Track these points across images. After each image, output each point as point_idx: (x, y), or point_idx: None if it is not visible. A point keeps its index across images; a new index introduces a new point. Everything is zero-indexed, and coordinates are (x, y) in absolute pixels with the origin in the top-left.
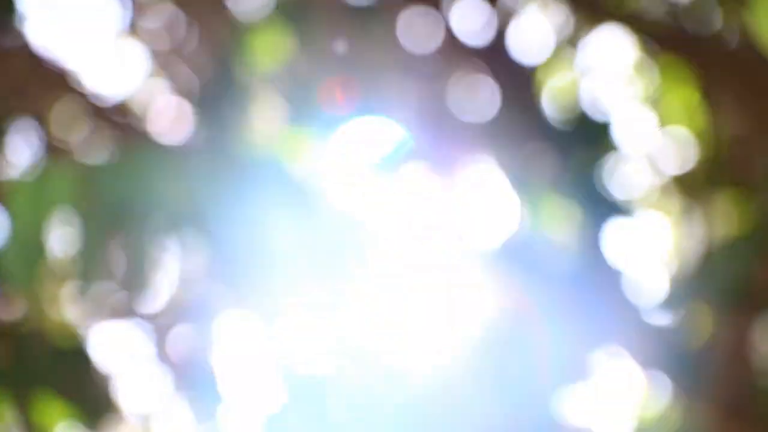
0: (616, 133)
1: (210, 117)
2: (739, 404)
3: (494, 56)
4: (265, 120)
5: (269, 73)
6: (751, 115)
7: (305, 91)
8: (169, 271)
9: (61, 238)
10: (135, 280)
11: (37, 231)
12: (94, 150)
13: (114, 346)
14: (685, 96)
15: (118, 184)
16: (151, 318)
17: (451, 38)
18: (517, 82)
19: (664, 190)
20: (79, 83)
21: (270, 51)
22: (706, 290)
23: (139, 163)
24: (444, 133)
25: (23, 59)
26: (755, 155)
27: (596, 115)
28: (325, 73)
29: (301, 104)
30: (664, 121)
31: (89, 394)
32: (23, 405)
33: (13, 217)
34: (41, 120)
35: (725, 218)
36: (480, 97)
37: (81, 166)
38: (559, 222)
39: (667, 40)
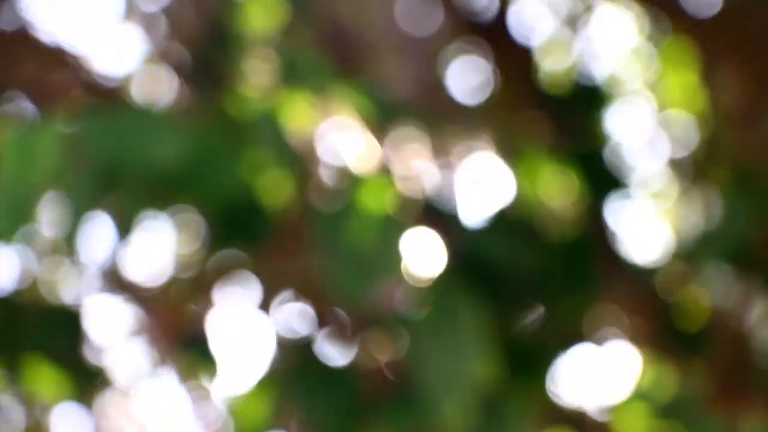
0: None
1: (203, 78)
2: (736, 374)
3: (494, 33)
4: (258, 81)
5: (263, 33)
6: (752, 88)
7: (300, 53)
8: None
9: (49, 197)
10: (123, 241)
11: (26, 187)
12: (84, 112)
13: (105, 312)
14: (685, 78)
15: (108, 142)
16: (143, 283)
17: (450, 12)
18: (517, 56)
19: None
20: (75, 60)
21: (264, 12)
22: (706, 256)
23: (129, 123)
24: (440, 103)
25: (21, 39)
26: (755, 127)
27: (594, 85)
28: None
29: (296, 65)
30: (663, 102)
31: (81, 360)
32: (13, 370)
33: (1, 172)
34: (36, 97)
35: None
36: (479, 72)
37: (71, 125)
38: (557, 191)
39: (669, 14)
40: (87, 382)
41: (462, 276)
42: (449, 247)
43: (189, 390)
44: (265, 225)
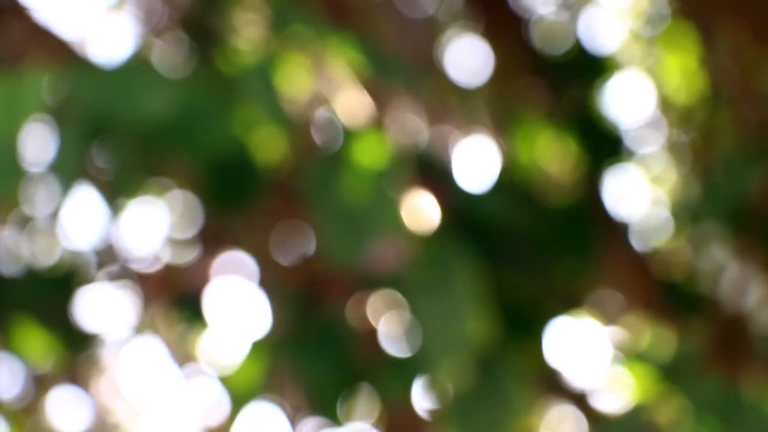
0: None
1: (194, 32)
2: (734, 335)
3: (492, 3)
4: (250, 35)
5: None
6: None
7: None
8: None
9: (38, 146)
10: (116, 193)
11: (13, 137)
12: (72, 66)
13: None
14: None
15: (96, 95)
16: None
17: None
18: (514, 23)
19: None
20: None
21: None
22: (706, 213)
23: (118, 76)
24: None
25: (20, 25)
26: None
27: (593, 50)
28: None
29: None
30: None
31: (70, 321)
32: (1, 331)
33: None
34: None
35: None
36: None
37: (60, 74)
38: (555, 157)
39: None
40: (77, 345)
41: (457, 234)
42: (444, 204)
43: (179, 355)
44: (257, 182)
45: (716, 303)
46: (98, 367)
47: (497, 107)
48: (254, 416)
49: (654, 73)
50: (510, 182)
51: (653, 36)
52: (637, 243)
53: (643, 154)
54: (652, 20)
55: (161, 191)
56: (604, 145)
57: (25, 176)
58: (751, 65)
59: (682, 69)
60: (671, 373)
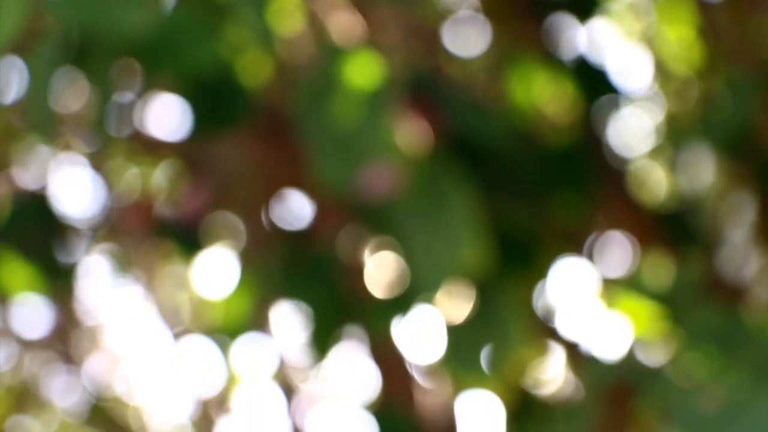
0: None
1: None
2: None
3: None
4: None
5: None
6: None
7: None
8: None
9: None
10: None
11: None
12: None
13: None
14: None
15: (77, 7)
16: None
17: None
18: None
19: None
20: None
21: None
22: (707, 139)
23: None
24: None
25: None
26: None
27: None
28: None
29: None
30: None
31: (56, 257)
32: None
33: None
34: None
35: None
36: None
37: None
38: (551, 98)
39: None
40: (60, 277)
41: (452, 158)
42: (438, 128)
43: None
44: (244, 105)
45: (714, 232)
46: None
47: (493, 48)
48: (244, 351)
49: (652, 44)
50: (507, 121)
51: (651, 7)
52: (633, 181)
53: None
54: None
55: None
56: (600, 86)
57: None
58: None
59: (680, 39)
60: (669, 304)
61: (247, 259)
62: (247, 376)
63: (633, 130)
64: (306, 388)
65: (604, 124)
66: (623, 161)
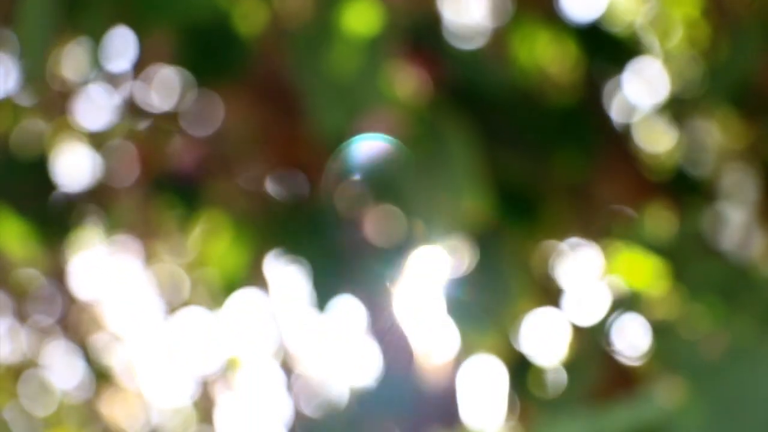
0: None
1: None
2: None
3: None
4: None
5: None
6: None
7: None
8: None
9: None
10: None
11: None
12: None
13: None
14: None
15: None
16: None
17: None
18: None
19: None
20: None
21: None
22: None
23: None
24: None
25: None
26: None
27: None
28: None
29: None
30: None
31: (51, 211)
32: None
33: None
34: None
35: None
36: None
37: None
38: (554, 59)
39: None
40: (56, 235)
41: (452, 107)
42: (438, 76)
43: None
44: (241, 52)
45: (715, 186)
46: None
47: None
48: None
49: (656, 25)
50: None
51: None
52: (634, 140)
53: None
54: None
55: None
56: (604, 47)
57: None
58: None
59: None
60: (671, 257)
61: (244, 214)
62: (247, 354)
63: (635, 90)
64: (305, 365)
65: (606, 83)
66: (625, 120)
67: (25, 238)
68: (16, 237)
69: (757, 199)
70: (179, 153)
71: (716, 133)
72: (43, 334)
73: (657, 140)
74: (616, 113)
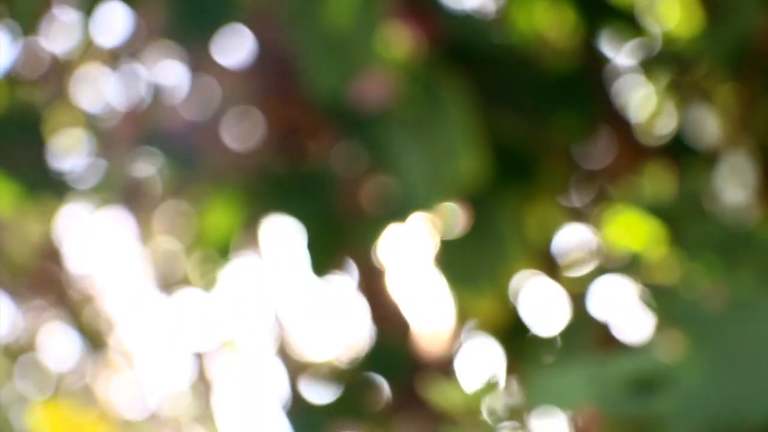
0: None
1: None
2: None
3: None
4: None
5: None
6: None
7: None
8: None
9: None
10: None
11: None
12: None
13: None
14: None
15: None
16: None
17: None
18: None
19: None
20: None
21: None
22: (711, 51)
23: None
24: None
25: None
26: None
27: None
28: None
29: None
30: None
31: (41, 171)
32: None
33: None
34: None
35: None
36: None
37: None
38: (552, 24)
39: None
40: (48, 193)
41: (447, 66)
42: (433, 33)
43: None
44: (232, 8)
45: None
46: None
47: None
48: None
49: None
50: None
51: None
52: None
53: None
54: None
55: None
56: (601, 13)
57: None
58: None
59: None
60: (670, 217)
61: (238, 178)
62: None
63: (633, 57)
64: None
65: (604, 49)
66: (623, 86)
67: (19, 200)
68: (10, 199)
69: (756, 181)
70: (172, 117)
71: (714, 94)
72: (40, 313)
73: (655, 105)
74: (613, 79)
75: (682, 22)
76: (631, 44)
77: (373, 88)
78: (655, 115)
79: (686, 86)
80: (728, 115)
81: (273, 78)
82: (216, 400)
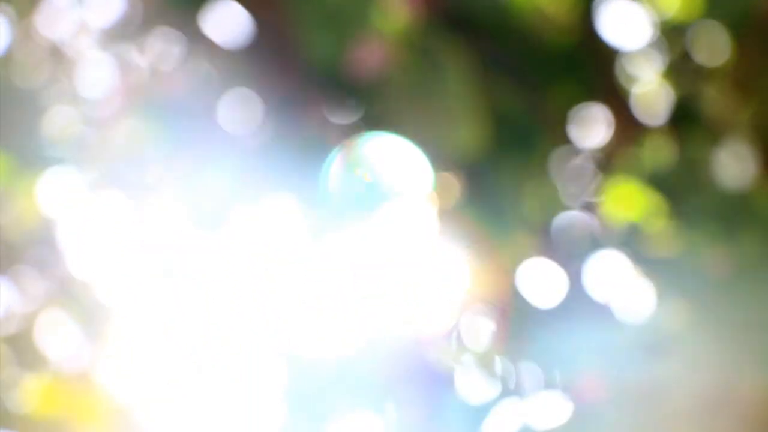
0: None
1: None
2: None
3: None
4: None
5: None
6: None
7: None
8: None
9: None
10: None
11: None
12: None
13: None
14: None
15: None
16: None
17: None
18: None
19: None
20: None
21: None
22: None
23: None
24: None
25: None
26: None
27: None
28: None
29: None
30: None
31: (31, 140)
32: None
33: None
34: None
35: None
36: None
37: None
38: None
39: None
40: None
41: (447, 33)
42: (432, 1)
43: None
44: None
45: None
46: None
47: None
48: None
49: None
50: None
51: None
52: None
53: None
54: None
55: None
56: None
57: None
58: None
59: None
60: (669, 187)
61: (236, 143)
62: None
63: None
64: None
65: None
66: (621, 58)
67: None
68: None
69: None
70: (170, 80)
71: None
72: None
73: (655, 76)
74: (612, 53)
75: None
76: (632, 19)
77: (371, 56)
78: (654, 89)
79: (686, 58)
80: (728, 85)
81: (269, 51)
82: (212, 386)
